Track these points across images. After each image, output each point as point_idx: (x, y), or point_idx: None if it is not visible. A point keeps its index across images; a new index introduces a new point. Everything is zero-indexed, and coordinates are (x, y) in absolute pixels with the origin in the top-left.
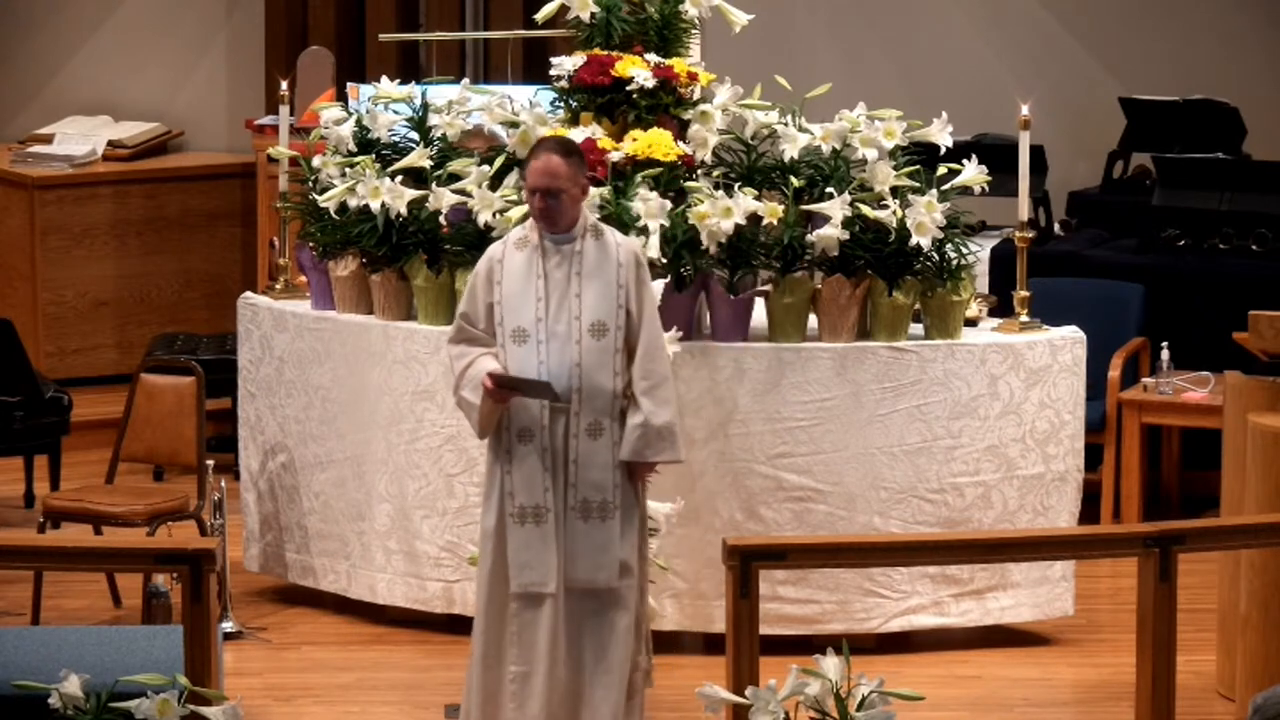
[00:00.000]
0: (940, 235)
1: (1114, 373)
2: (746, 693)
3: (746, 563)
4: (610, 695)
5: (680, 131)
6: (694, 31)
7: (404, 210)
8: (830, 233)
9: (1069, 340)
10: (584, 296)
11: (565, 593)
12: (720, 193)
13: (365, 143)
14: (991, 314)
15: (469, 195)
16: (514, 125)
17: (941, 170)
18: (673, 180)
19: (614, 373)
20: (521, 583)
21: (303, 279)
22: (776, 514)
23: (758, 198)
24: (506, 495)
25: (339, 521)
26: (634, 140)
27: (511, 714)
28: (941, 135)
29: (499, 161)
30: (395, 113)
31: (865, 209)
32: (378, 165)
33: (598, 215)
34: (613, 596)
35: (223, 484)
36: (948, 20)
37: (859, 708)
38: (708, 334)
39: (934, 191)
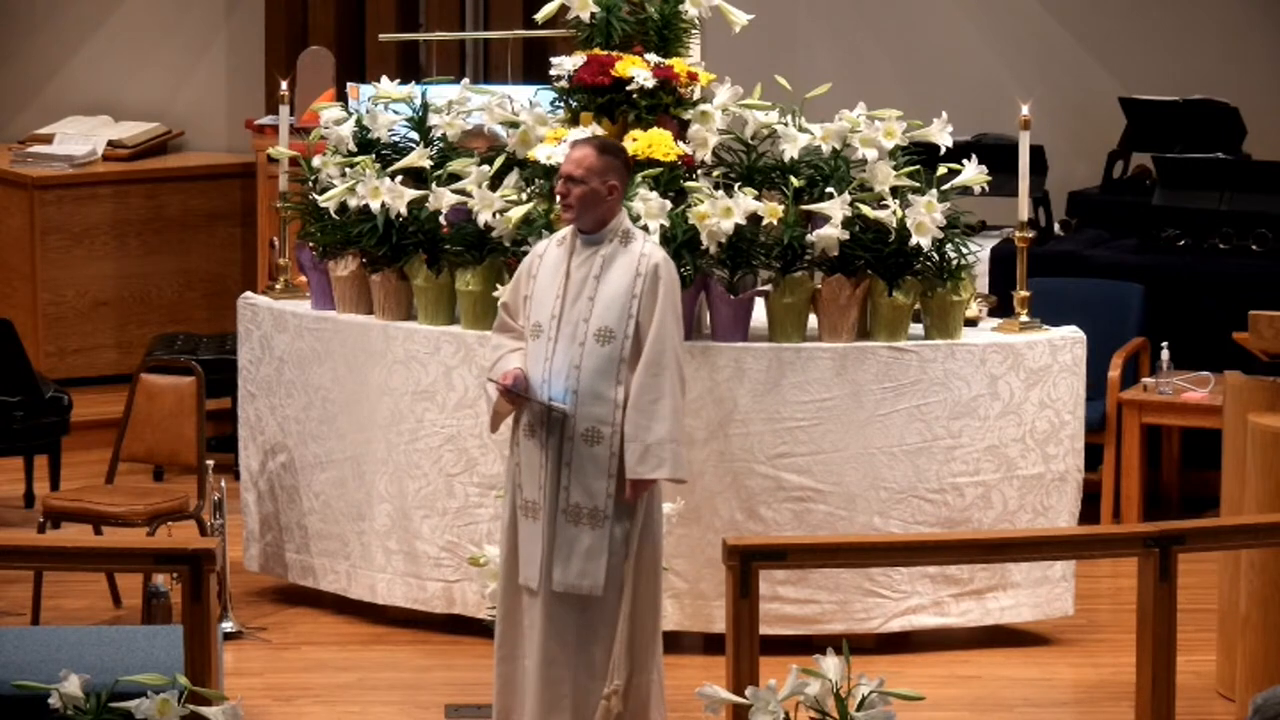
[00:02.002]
0: (940, 235)
1: (1114, 373)
2: (746, 693)
3: (746, 563)
4: (599, 705)
5: (680, 131)
6: (694, 31)
7: (404, 210)
8: (830, 233)
9: (1069, 340)
10: (596, 301)
11: (551, 595)
12: (720, 193)
13: (365, 143)
14: (991, 314)
15: (469, 195)
16: (514, 125)
17: (941, 170)
18: (673, 180)
19: (616, 381)
20: (523, 576)
21: (303, 279)
22: (776, 514)
23: (758, 198)
24: (516, 487)
25: (339, 521)
26: (634, 140)
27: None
28: (941, 135)
29: (499, 161)
30: (395, 113)
31: (865, 209)
32: (378, 165)
33: None
34: (600, 604)
35: (223, 484)
36: (948, 20)
37: (859, 708)
38: (708, 334)
39: (934, 191)
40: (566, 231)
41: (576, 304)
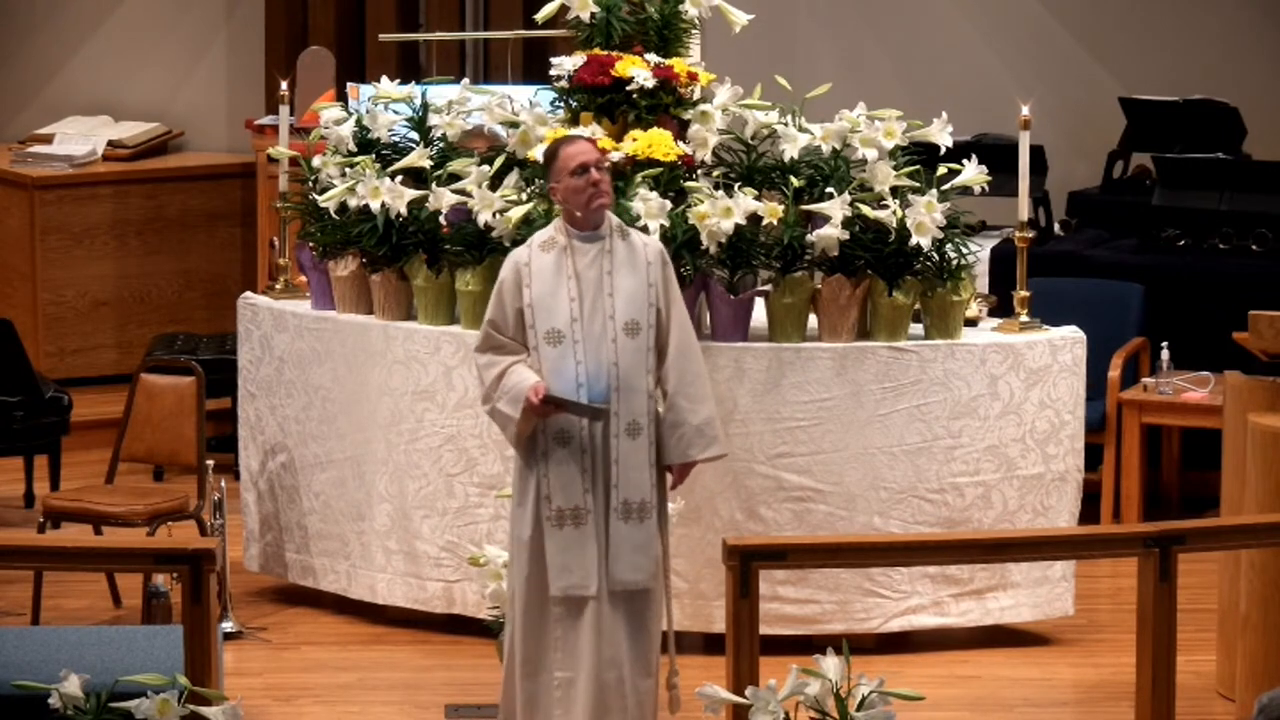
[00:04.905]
0: (940, 235)
1: (1114, 373)
2: (746, 693)
3: (746, 563)
4: (648, 699)
5: (680, 131)
6: (694, 31)
7: (404, 210)
8: (830, 233)
9: (1069, 340)
10: (617, 295)
11: (607, 596)
12: (720, 193)
13: (365, 143)
14: (991, 314)
15: (469, 195)
16: (514, 125)
17: (941, 170)
18: (673, 180)
19: (647, 371)
20: (562, 586)
21: (303, 279)
22: (776, 514)
23: (758, 198)
24: (543, 499)
25: (339, 521)
26: (634, 140)
27: None
28: (941, 135)
29: (499, 161)
30: (395, 113)
31: (865, 209)
32: (378, 165)
33: None
34: (647, 597)
35: (223, 484)
36: (948, 20)
37: (859, 708)
38: (708, 334)
39: (934, 191)
40: (548, 235)
41: (598, 302)
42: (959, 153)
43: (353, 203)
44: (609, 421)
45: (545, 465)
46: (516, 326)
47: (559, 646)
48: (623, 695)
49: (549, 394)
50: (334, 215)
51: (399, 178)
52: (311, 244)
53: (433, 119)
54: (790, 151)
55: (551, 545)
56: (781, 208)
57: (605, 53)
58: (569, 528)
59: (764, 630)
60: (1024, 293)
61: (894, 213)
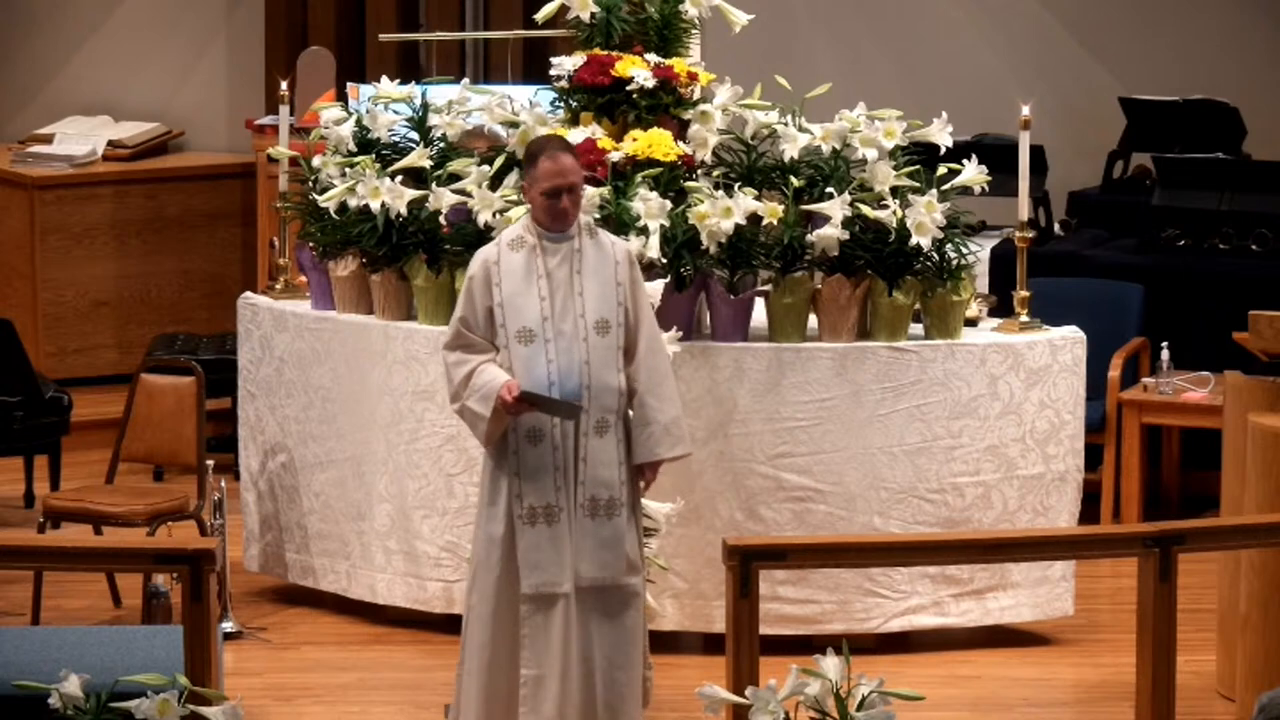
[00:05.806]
0: (940, 235)
1: (1114, 373)
2: (746, 693)
3: (746, 563)
4: (628, 694)
5: (680, 131)
6: (694, 31)
7: (404, 210)
8: (830, 233)
9: (1069, 340)
10: (586, 294)
11: (576, 591)
12: (720, 193)
13: (365, 143)
14: (991, 314)
15: (469, 195)
16: (514, 125)
17: (941, 170)
18: (673, 180)
19: (617, 369)
20: (533, 583)
21: (303, 279)
22: (776, 514)
23: (758, 198)
24: (514, 498)
25: (339, 521)
26: (634, 140)
27: (525, 718)
28: (941, 135)
29: (499, 161)
30: (395, 113)
31: (865, 209)
32: (378, 165)
33: (598, 215)
34: (622, 594)
35: (223, 484)
36: (948, 20)
37: (859, 708)
38: (708, 334)
39: (934, 191)
40: (517, 233)
41: (569, 301)
42: (959, 153)
43: (353, 203)
44: (579, 419)
45: (516, 464)
46: (486, 324)
47: (527, 644)
48: (592, 691)
49: (524, 391)
50: (334, 215)
51: (399, 178)
52: (311, 244)
53: (433, 119)
54: (790, 151)
55: (523, 543)
56: (781, 208)
57: (605, 53)
58: (541, 525)
59: (764, 630)
60: (1024, 293)
61: (894, 213)
